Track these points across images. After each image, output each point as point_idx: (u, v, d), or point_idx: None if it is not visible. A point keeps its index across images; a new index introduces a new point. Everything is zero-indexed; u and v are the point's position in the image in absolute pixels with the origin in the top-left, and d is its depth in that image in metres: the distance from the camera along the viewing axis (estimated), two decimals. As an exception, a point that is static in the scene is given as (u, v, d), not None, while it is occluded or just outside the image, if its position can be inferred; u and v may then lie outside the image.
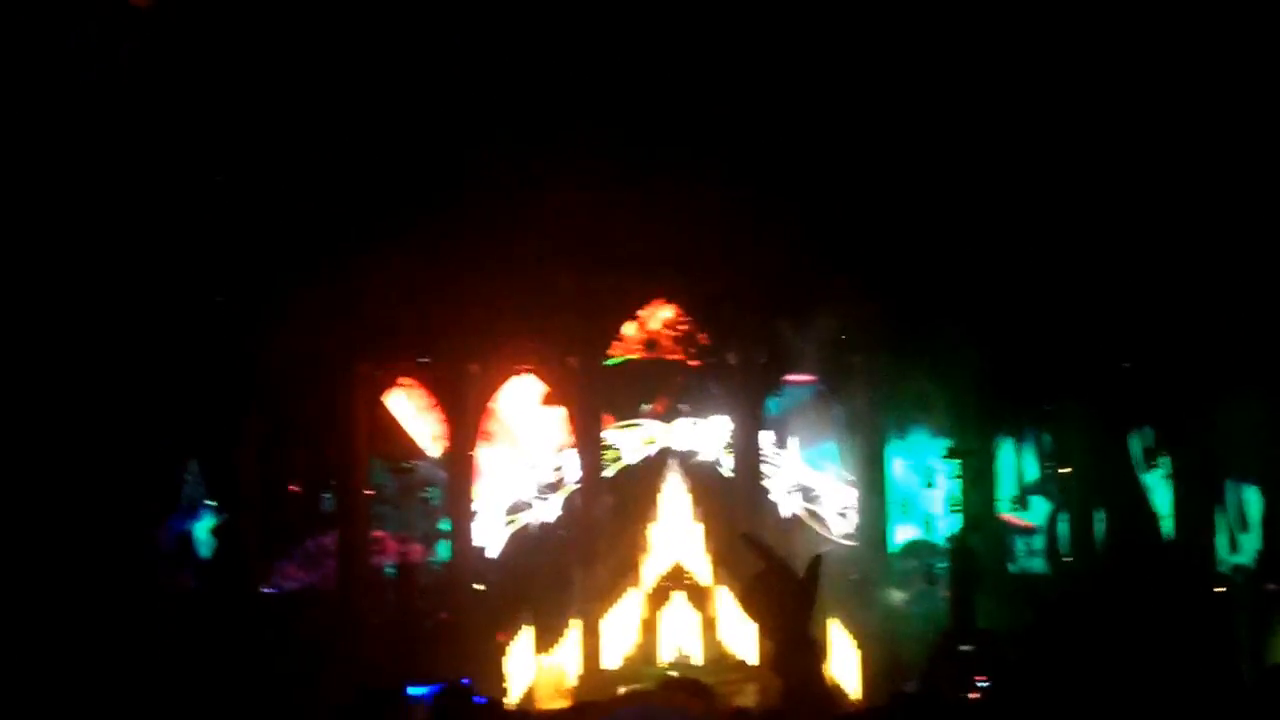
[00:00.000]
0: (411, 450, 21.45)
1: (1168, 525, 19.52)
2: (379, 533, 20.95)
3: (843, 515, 21.54)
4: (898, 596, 20.51)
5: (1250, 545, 19.52)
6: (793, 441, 21.56)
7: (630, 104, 18.93)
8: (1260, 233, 17.77)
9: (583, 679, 19.75)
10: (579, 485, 21.06)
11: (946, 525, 20.84)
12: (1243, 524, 19.53)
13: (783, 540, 21.06)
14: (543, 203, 19.14)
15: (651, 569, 20.62)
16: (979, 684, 13.11)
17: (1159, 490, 19.81)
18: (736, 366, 20.91)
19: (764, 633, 3.63)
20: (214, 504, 19.67)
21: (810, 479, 21.50)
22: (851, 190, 18.94)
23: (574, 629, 20.27)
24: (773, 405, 21.38)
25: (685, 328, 21.01)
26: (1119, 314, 18.71)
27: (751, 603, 3.63)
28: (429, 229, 19.16)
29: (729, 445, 21.39)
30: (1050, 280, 18.71)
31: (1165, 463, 19.83)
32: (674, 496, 21.00)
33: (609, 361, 20.89)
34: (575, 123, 18.87)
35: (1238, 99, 17.49)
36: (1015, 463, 21.12)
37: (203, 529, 19.85)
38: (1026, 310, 18.91)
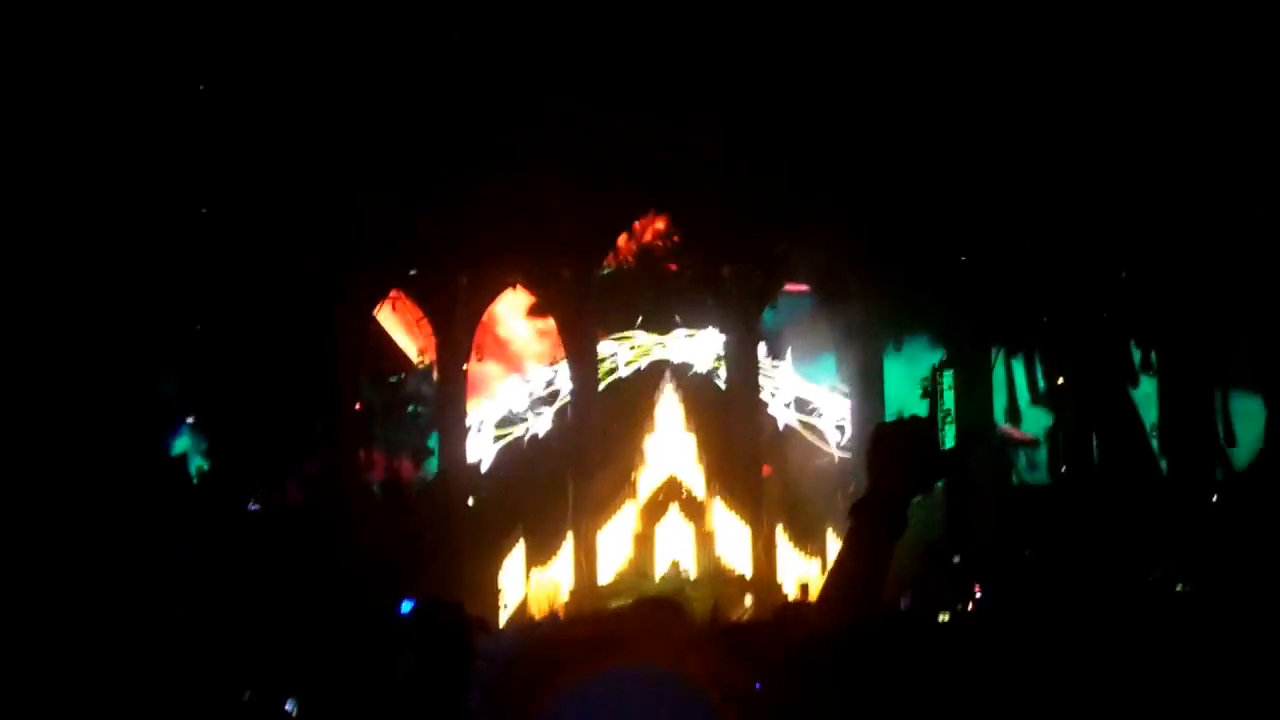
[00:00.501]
0: (401, 365, 21.20)
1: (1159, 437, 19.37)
2: (368, 449, 20.79)
3: (839, 428, 21.35)
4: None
5: (1241, 458, 19.40)
6: (788, 353, 21.31)
7: (625, 16, 18.52)
8: (1257, 143, 17.50)
9: (576, 594, 19.69)
10: (572, 398, 20.85)
11: (942, 437, 20.66)
12: (1230, 437, 19.35)
13: (779, 452, 20.96)
14: (536, 114, 18.77)
15: (646, 482, 20.49)
16: (972, 596, 12.99)
17: (1151, 401, 19.61)
18: (731, 278, 20.61)
19: (870, 483, 3.16)
20: (192, 421, 19.44)
21: (806, 391, 21.28)
22: (846, 100, 18.56)
23: (567, 543, 20.18)
24: (768, 317, 21.10)
25: (679, 239, 20.70)
26: (1114, 223, 18.43)
27: (882, 447, 3.14)
28: (419, 140, 18.80)
29: (724, 357, 21.14)
30: (1046, 190, 18.40)
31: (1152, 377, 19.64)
32: (668, 410, 20.82)
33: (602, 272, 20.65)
34: (569, 36, 18.46)
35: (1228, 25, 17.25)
36: (1006, 374, 20.85)
37: (183, 447, 19.65)
38: (1023, 220, 18.61)
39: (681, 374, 21.09)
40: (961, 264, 19.09)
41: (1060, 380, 19.97)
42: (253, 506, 19.82)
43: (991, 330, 20.13)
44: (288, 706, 8.66)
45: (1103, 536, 15.54)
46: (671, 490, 20.36)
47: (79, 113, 16.56)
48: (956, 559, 15.11)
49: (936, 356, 20.63)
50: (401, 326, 21.04)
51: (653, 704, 1.85)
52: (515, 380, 21.32)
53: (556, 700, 1.86)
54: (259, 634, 15.76)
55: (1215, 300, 18.58)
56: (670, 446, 20.66)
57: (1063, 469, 19.84)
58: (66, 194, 16.56)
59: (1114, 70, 17.75)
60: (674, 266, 20.80)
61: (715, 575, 19.86)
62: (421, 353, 20.98)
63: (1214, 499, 18.38)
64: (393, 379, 21.04)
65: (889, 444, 3.03)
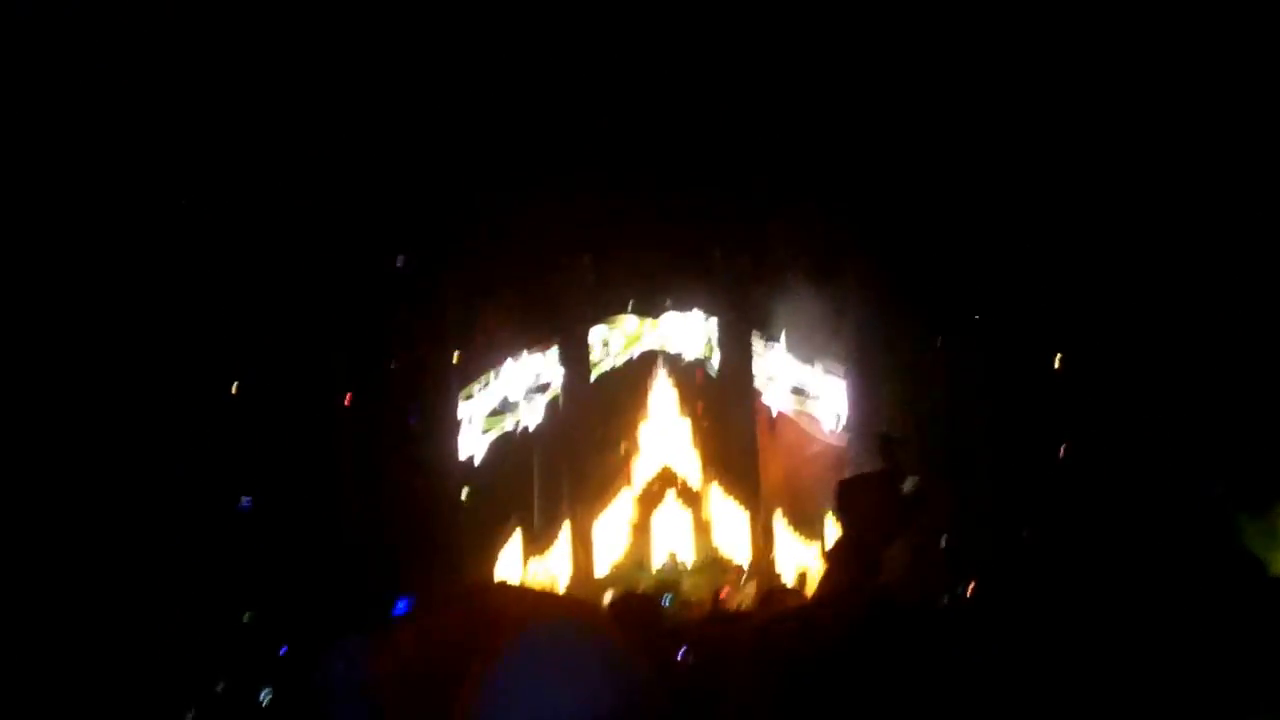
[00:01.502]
0: (390, 354, 20.95)
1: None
2: (360, 442, 20.53)
3: (836, 413, 21.17)
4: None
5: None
6: (782, 337, 21.10)
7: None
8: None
9: (573, 585, 19.55)
10: (564, 387, 20.68)
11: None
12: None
13: (774, 438, 20.79)
14: (524, 108, 18.61)
15: (641, 471, 20.34)
16: (968, 580, 12.81)
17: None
18: (723, 260, 20.43)
19: (842, 536, 3.40)
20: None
21: (801, 374, 21.07)
22: (838, 76, 18.36)
23: (563, 534, 20.04)
24: (761, 300, 20.90)
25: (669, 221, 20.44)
26: (1108, 210, 18.26)
27: (847, 499, 3.35)
28: (411, 134, 18.64)
29: (717, 342, 20.95)
30: (1042, 174, 18.23)
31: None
32: (662, 397, 20.67)
33: None
34: (562, 30, 18.26)
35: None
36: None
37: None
38: (1018, 203, 18.44)
39: (674, 360, 20.91)
40: (956, 245, 18.91)
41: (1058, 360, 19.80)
42: (244, 503, 19.64)
43: (987, 313, 19.93)
44: (260, 698, 8.54)
45: (1102, 518, 15.39)
46: (667, 478, 20.22)
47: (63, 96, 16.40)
48: (945, 542, 15.00)
49: (933, 340, 20.47)
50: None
51: (574, 657, 1.77)
52: (506, 369, 21.08)
53: (491, 674, 1.76)
54: (240, 628, 15.66)
55: (1209, 291, 18.41)
56: (665, 434, 20.52)
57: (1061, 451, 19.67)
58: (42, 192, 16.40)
59: (1113, 60, 17.56)
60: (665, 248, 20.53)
61: (713, 563, 19.73)
62: (411, 342, 20.77)
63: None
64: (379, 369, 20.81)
65: (854, 497, 3.24)
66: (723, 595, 17.17)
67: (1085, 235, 18.58)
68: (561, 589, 19.50)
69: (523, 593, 2.00)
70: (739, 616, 10.36)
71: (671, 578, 18.58)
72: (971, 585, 12.48)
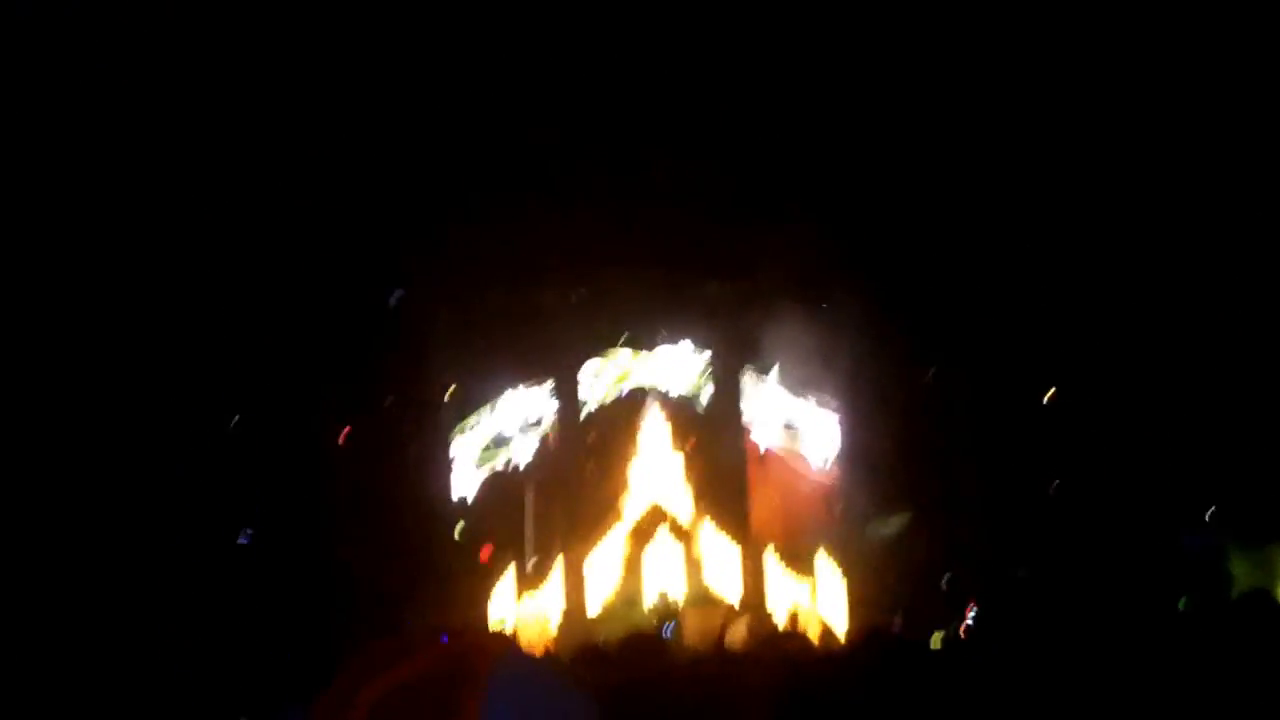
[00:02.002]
0: (384, 390, 20.93)
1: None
2: (354, 477, 20.48)
3: (826, 447, 21.15)
4: (888, 528, 20.17)
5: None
6: (774, 371, 21.05)
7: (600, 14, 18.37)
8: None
9: (565, 623, 19.43)
10: (556, 422, 20.63)
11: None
12: None
13: (765, 474, 20.74)
14: (511, 131, 18.63)
15: (632, 508, 20.24)
16: (965, 619, 12.82)
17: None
18: (715, 291, 20.40)
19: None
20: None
21: (793, 407, 21.02)
22: (828, 100, 18.40)
23: (556, 571, 19.92)
24: (753, 334, 20.86)
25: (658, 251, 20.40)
26: (1106, 225, 18.30)
27: None
28: (401, 164, 18.67)
29: (707, 377, 20.90)
30: (1036, 191, 18.27)
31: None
32: (652, 433, 20.59)
33: None
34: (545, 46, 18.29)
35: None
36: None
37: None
38: (1013, 222, 18.48)
39: (665, 395, 20.85)
40: (949, 278, 18.92)
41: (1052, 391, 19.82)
42: (243, 539, 19.59)
43: (979, 346, 19.94)
44: None
45: (1095, 552, 15.38)
46: (658, 514, 20.13)
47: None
48: (945, 580, 14.97)
49: (927, 370, 20.49)
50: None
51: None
52: (501, 404, 21.03)
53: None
54: (253, 659, 15.60)
55: (1202, 328, 18.45)
56: (656, 469, 20.43)
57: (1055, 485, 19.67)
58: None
59: (1107, 86, 17.62)
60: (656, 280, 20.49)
61: (705, 600, 19.60)
62: (405, 378, 20.74)
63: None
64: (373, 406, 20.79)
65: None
66: (717, 633, 17.07)
67: (1078, 268, 18.62)
68: (554, 626, 19.40)
69: (485, 636, 2.04)
70: (738, 656, 10.32)
71: (665, 614, 18.46)
72: (967, 620, 12.47)
